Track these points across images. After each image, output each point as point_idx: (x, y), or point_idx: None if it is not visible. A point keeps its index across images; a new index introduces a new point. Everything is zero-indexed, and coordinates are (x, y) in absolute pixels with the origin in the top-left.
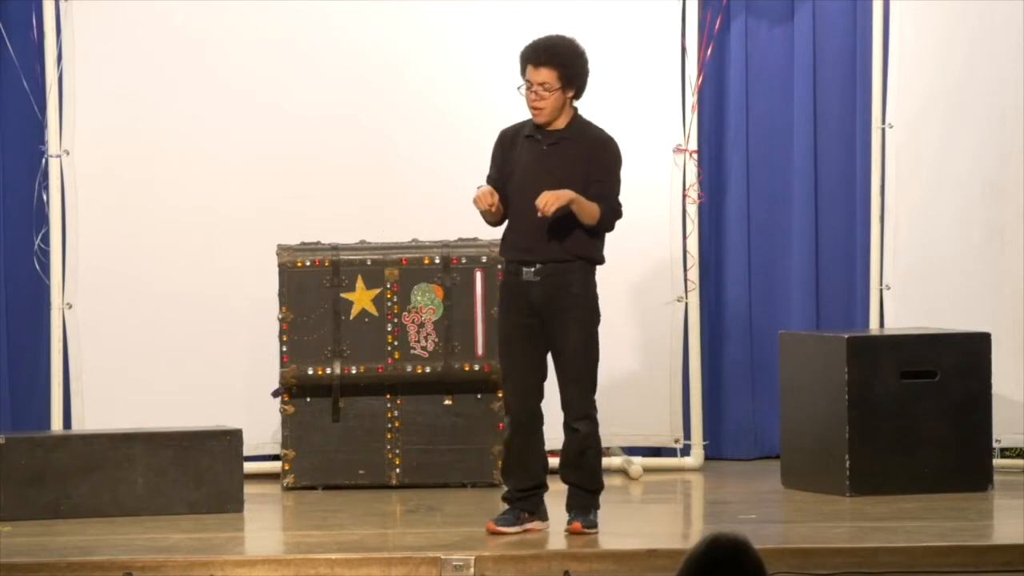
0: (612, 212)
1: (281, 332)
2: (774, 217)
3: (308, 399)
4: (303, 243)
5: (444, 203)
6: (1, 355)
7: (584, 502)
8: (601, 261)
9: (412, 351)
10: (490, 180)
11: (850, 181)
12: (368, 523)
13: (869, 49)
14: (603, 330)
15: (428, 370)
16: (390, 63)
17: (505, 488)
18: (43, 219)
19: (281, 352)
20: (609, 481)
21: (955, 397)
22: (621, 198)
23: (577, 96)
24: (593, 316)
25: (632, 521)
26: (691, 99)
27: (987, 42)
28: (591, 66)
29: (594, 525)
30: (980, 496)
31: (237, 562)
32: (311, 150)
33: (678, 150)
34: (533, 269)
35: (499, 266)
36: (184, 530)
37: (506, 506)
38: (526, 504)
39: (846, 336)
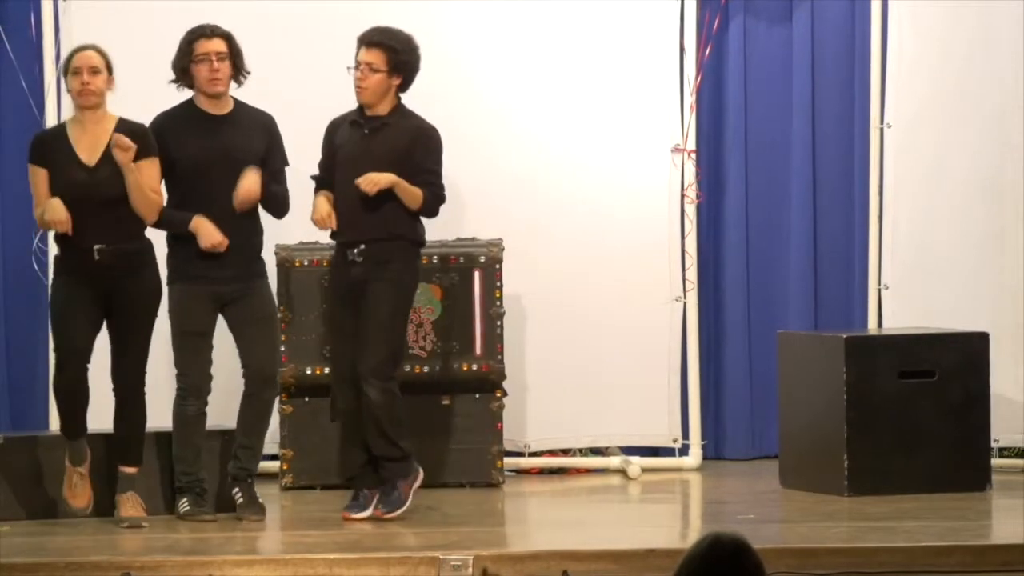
0: (436, 198)
1: (280, 332)
2: (773, 217)
3: (306, 399)
4: (302, 243)
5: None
6: (0, 355)
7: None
8: (422, 243)
9: (411, 351)
10: (321, 168)
11: (849, 181)
12: (367, 523)
13: (868, 49)
14: (601, 329)
15: (426, 370)
16: None
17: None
18: None
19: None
20: (608, 481)
21: (954, 397)
22: (619, 198)
23: (403, 87)
24: (404, 293)
25: (631, 521)
26: (689, 99)
27: (986, 42)
28: (589, 66)
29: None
30: (979, 496)
31: (236, 562)
32: (311, 150)
33: (676, 150)
34: (357, 250)
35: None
36: (183, 530)
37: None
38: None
39: (844, 336)
